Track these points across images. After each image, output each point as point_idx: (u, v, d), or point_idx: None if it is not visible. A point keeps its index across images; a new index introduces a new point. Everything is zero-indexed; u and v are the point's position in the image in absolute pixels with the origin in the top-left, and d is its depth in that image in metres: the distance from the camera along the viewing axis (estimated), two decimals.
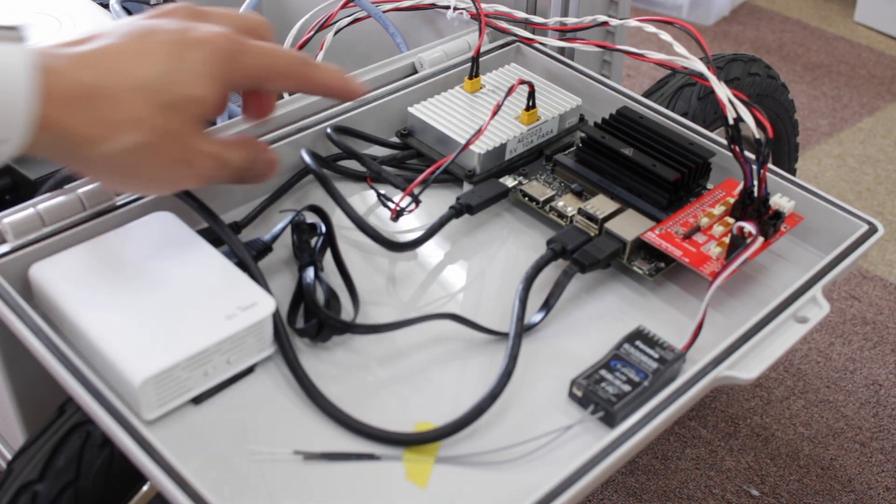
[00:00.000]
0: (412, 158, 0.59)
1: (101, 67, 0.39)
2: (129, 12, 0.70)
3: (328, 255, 0.51)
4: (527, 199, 0.56)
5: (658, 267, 0.52)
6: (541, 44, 0.64)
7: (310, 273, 0.48)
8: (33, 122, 0.36)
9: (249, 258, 0.48)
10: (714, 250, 0.51)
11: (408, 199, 0.53)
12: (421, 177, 0.54)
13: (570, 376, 0.44)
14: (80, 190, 0.49)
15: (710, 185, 0.57)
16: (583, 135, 0.58)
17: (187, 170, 0.43)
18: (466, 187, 0.57)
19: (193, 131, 0.42)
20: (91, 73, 0.38)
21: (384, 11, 0.67)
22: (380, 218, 0.56)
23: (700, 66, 0.51)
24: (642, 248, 0.53)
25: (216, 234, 0.49)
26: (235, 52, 0.42)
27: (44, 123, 0.37)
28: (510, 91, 0.58)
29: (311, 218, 0.52)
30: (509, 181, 0.57)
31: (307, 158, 0.54)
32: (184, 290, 0.44)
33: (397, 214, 0.53)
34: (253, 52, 0.43)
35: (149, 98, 0.39)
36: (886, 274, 1.19)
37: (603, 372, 0.44)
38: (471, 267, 0.54)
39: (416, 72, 0.63)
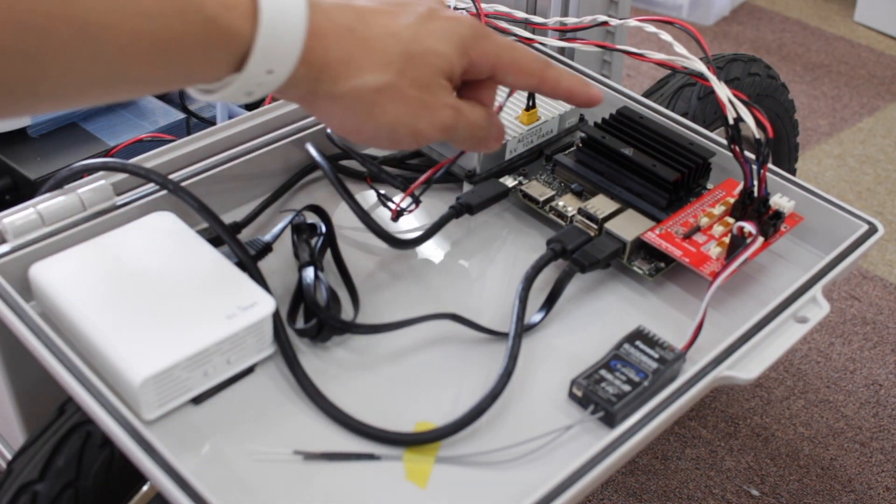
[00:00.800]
0: (412, 158, 0.59)
1: (358, 15, 0.42)
2: None
3: (328, 255, 0.51)
4: (527, 199, 0.56)
5: (658, 267, 0.52)
6: (541, 44, 0.64)
7: (310, 273, 0.48)
8: (299, 55, 0.39)
9: (249, 258, 0.48)
10: (714, 250, 0.51)
11: (408, 200, 0.53)
12: (423, 177, 0.54)
13: (570, 376, 0.44)
14: (80, 190, 0.49)
15: (710, 185, 0.57)
16: (583, 135, 0.58)
17: (427, 116, 0.43)
18: (466, 187, 0.57)
19: (436, 81, 0.43)
20: (349, 17, 0.41)
21: None
22: (379, 218, 0.56)
23: (700, 66, 0.51)
24: (642, 248, 0.53)
25: (216, 234, 0.49)
26: (479, 34, 0.45)
27: (304, 56, 0.39)
28: (511, 91, 0.57)
29: (311, 218, 0.52)
30: (509, 181, 0.57)
31: (313, 152, 0.54)
32: (184, 290, 0.44)
33: (397, 214, 0.53)
34: (496, 40, 0.45)
35: (398, 44, 0.42)
36: (886, 274, 1.19)
37: (603, 372, 0.44)
38: (471, 267, 0.54)
39: None
